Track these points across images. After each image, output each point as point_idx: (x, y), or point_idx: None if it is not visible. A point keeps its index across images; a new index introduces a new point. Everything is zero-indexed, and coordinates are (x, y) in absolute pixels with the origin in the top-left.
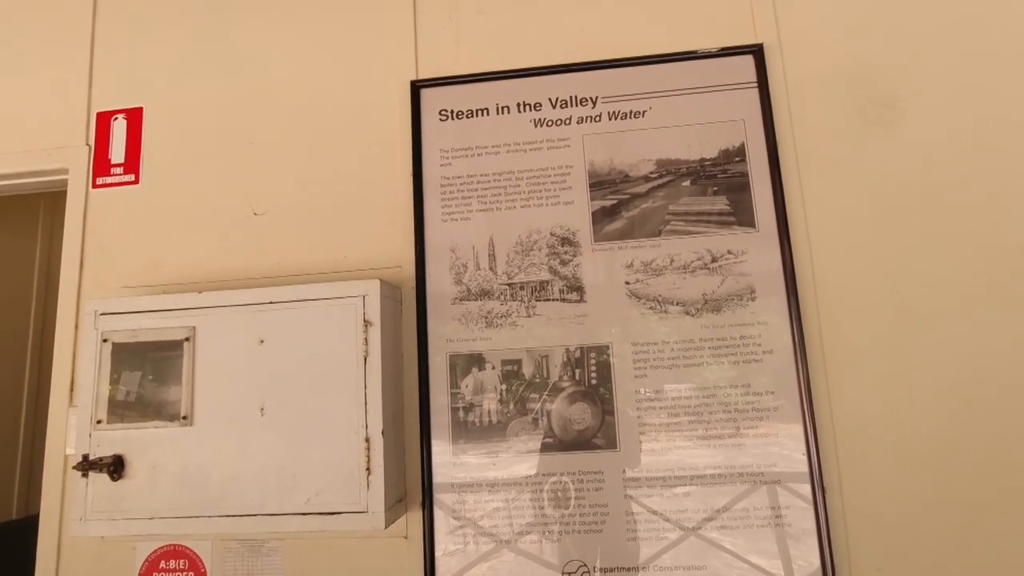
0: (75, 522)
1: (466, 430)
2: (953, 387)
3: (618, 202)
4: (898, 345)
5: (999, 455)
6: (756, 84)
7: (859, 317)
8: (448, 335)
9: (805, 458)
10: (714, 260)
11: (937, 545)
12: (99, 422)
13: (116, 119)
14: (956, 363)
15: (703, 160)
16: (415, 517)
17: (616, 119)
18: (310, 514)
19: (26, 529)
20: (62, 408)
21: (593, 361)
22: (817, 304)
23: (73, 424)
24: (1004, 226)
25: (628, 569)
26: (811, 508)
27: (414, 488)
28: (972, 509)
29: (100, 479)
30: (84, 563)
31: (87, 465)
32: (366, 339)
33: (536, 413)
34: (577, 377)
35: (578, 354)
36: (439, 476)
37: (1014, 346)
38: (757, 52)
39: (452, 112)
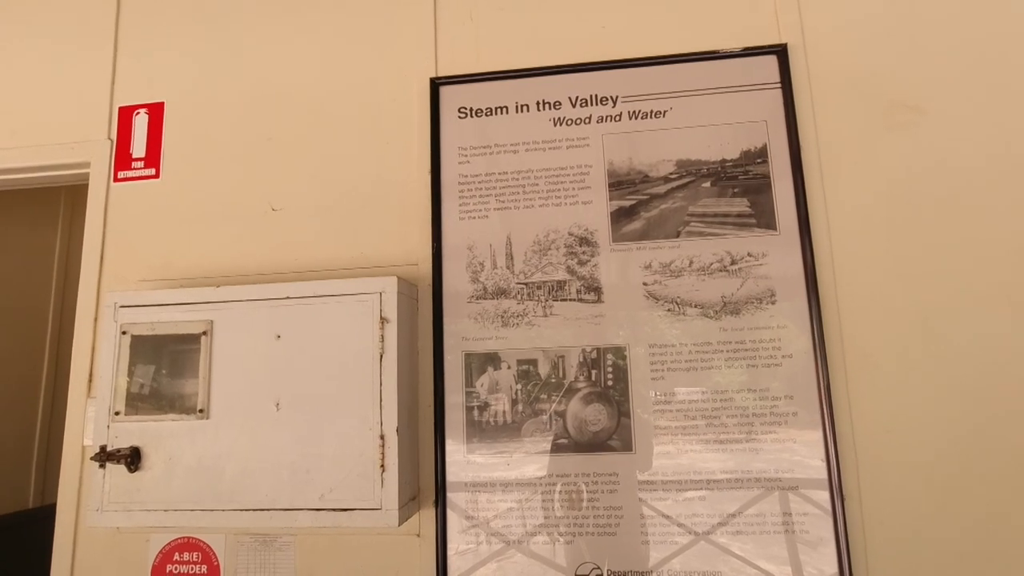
0: (92, 512)
1: (480, 429)
2: (977, 394)
3: (637, 202)
4: (920, 350)
5: (1023, 462)
6: (779, 85)
7: (881, 322)
8: (464, 333)
9: (823, 464)
10: (734, 262)
11: (960, 556)
12: (117, 414)
13: (138, 114)
14: (979, 369)
15: (724, 161)
16: (428, 515)
17: (636, 119)
18: (323, 510)
19: (42, 519)
20: (80, 399)
21: (609, 362)
22: (838, 308)
23: (91, 415)
24: None
25: (640, 573)
26: (829, 516)
27: (427, 486)
28: (997, 519)
29: (117, 470)
30: (99, 553)
31: (105, 456)
32: (382, 336)
33: (551, 413)
34: (593, 378)
35: (594, 355)
36: (452, 475)
37: None
38: (781, 52)
39: (471, 110)
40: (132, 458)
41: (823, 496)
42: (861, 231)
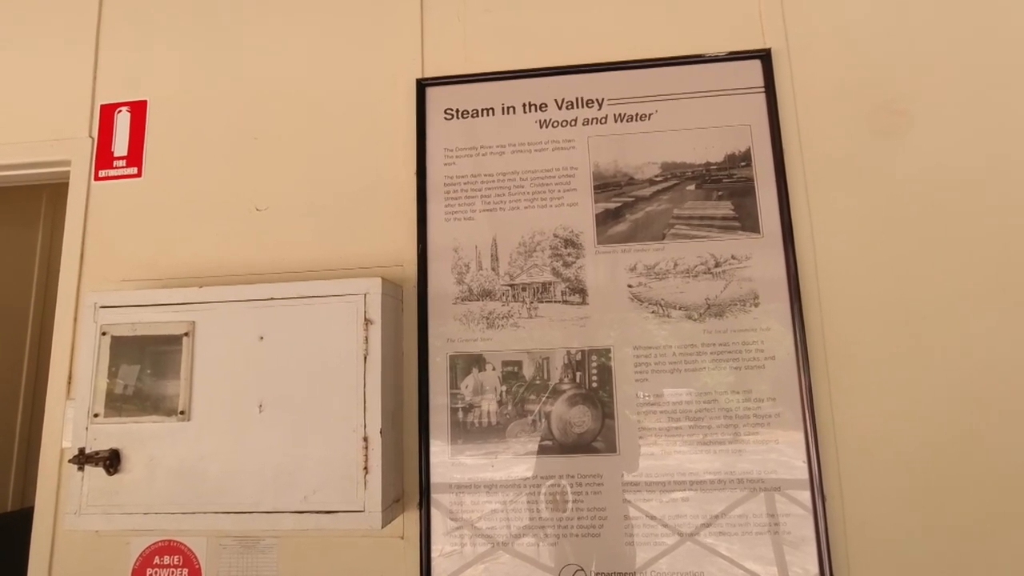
0: (70, 516)
1: (465, 431)
2: (957, 396)
3: (622, 205)
4: (902, 353)
5: (1003, 465)
6: (763, 89)
7: (863, 324)
8: (449, 335)
9: (805, 465)
10: (718, 265)
11: (939, 556)
12: (96, 416)
13: (120, 112)
14: (960, 372)
15: (709, 164)
16: (412, 517)
17: (622, 121)
18: (306, 512)
19: (21, 521)
20: (59, 401)
21: (594, 364)
22: (821, 311)
23: (70, 417)
24: (1010, 235)
25: (624, 574)
26: (810, 516)
27: (412, 488)
28: (975, 519)
29: (96, 473)
30: (78, 557)
31: (83, 459)
32: (366, 337)
33: (536, 415)
34: (578, 380)
35: (579, 357)
36: (437, 476)
37: (1020, 354)
38: (765, 57)
39: (457, 111)
40: (111, 460)
41: (805, 496)
42: (844, 234)
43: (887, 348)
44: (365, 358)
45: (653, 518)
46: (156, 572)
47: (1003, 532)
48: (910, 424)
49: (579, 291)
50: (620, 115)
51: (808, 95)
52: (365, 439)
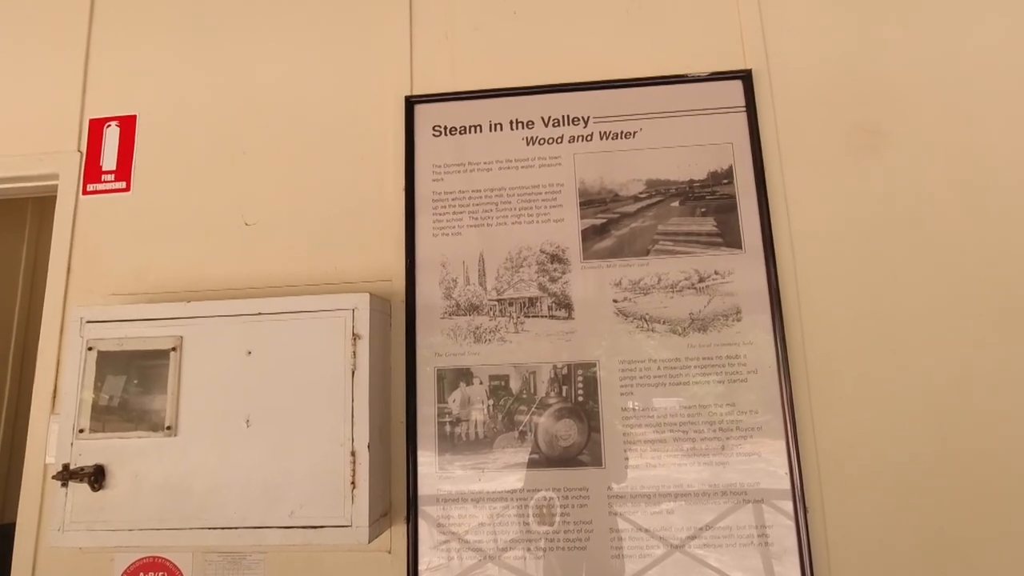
0: (53, 532)
1: (452, 444)
2: (935, 408)
3: (608, 221)
4: (881, 366)
5: (981, 476)
6: (745, 108)
7: (843, 338)
8: (437, 349)
9: (788, 477)
10: (701, 280)
11: (918, 566)
12: (81, 431)
13: (109, 126)
14: (938, 384)
15: (692, 181)
16: (399, 531)
17: (607, 139)
18: (293, 527)
19: (1, 537)
20: (43, 416)
21: (580, 378)
22: (801, 325)
23: (54, 432)
24: (986, 249)
25: None
26: (793, 526)
27: (399, 501)
28: (953, 529)
29: (80, 489)
30: (60, 573)
31: (67, 475)
32: (354, 352)
33: (523, 428)
34: (564, 393)
35: (565, 371)
36: (424, 489)
37: (996, 367)
38: (746, 77)
39: (445, 128)
40: (96, 476)
41: (788, 507)
42: (824, 249)
43: (866, 361)
44: (353, 373)
45: (640, 530)
46: None
47: (982, 543)
48: (889, 436)
49: (565, 306)
50: (605, 133)
51: (788, 114)
52: (352, 454)
